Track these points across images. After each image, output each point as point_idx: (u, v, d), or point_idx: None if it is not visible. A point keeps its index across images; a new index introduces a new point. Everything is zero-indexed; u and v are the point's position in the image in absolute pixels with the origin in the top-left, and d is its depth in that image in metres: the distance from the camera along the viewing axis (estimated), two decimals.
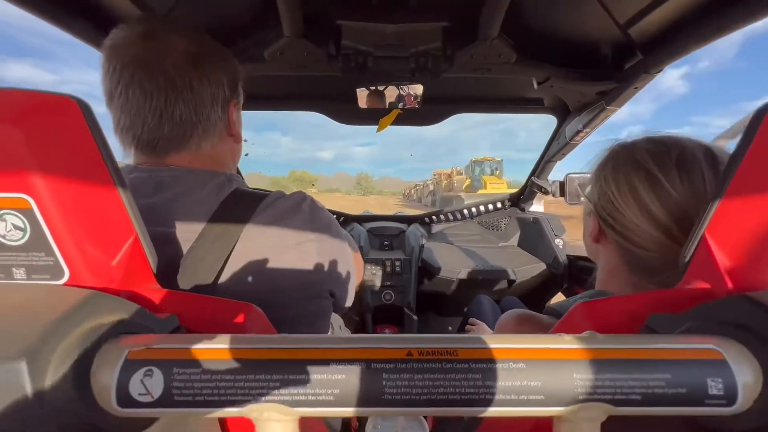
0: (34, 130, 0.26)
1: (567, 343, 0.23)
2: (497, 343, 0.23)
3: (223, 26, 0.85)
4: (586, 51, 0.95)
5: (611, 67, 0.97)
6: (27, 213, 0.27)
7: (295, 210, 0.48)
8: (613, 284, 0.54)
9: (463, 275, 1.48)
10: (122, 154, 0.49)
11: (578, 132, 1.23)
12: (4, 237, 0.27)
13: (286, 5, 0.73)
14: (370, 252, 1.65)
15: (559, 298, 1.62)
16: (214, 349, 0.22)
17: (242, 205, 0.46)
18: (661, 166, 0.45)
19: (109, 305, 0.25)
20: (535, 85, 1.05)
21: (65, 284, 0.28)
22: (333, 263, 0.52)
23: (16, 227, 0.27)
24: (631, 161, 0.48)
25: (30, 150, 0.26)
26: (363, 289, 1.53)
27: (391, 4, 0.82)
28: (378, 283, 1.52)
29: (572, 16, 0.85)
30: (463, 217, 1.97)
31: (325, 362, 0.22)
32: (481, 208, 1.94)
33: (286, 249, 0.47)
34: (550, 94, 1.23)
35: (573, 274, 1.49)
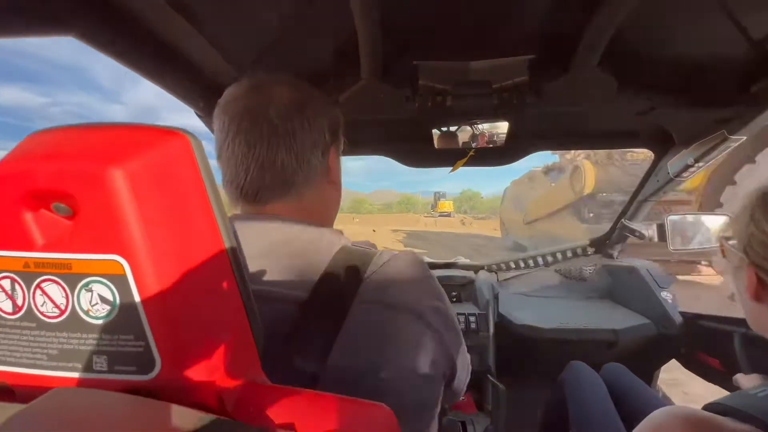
0: (135, 172, 0.19)
1: None
2: None
3: (302, 75, 0.86)
4: (704, 74, 0.82)
5: (735, 90, 0.82)
6: (118, 281, 0.20)
7: (411, 272, 0.41)
8: None
9: (552, 334, 1.26)
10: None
11: (687, 167, 1.05)
12: (87, 313, 0.21)
13: (367, 47, 0.72)
14: None
15: (673, 366, 1.31)
16: None
17: (352, 265, 0.39)
18: None
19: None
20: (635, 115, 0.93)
21: (155, 379, 0.21)
22: (449, 335, 0.43)
23: (103, 300, 0.20)
24: None
25: (129, 198, 0.19)
26: None
27: (475, 42, 0.78)
28: None
29: (691, 35, 0.73)
30: (536, 264, 1.77)
31: None
32: (558, 254, 1.73)
33: (405, 318, 0.38)
34: (650, 125, 1.08)
35: (694, 337, 1.21)
